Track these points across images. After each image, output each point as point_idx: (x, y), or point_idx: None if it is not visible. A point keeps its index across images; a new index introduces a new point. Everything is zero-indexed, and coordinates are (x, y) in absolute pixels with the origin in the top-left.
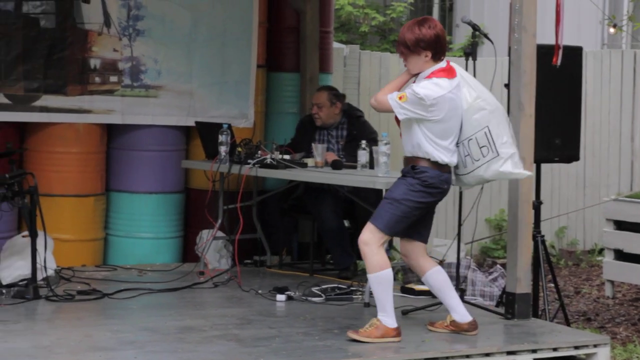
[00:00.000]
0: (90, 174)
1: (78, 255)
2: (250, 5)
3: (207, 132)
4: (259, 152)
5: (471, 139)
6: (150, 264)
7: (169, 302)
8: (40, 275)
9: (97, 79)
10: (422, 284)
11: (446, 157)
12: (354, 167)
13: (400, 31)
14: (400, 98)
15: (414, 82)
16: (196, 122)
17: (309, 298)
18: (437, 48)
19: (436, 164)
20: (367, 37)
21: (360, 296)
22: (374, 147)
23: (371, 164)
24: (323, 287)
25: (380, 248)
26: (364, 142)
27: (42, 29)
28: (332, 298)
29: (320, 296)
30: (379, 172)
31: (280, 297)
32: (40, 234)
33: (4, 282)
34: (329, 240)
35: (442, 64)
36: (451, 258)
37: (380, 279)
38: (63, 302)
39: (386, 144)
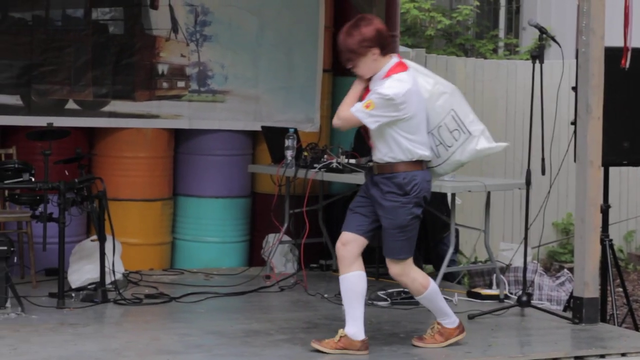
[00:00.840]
0: (157, 178)
1: (146, 259)
2: (316, 9)
3: (273, 137)
4: (325, 156)
5: (441, 126)
6: (217, 268)
7: (235, 306)
8: (108, 279)
9: (165, 85)
10: (490, 288)
11: (425, 151)
12: None
13: (338, 40)
14: (367, 107)
15: (369, 88)
16: (262, 127)
17: (375, 302)
18: (382, 43)
19: (418, 163)
20: (433, 40)
21: None
22: None
23: None
24: (389, 291)
25: (414, 271)
26: None
27: (111, 35)
28: (397, 302)
29: (386, 300)
30: (446, 177)
31: None
32: (109, 238)
33: (73, 286)
34: None
35: (395, 60)
36: (517, 262)
37: (430, 296)
38: (131, 306)
39: None
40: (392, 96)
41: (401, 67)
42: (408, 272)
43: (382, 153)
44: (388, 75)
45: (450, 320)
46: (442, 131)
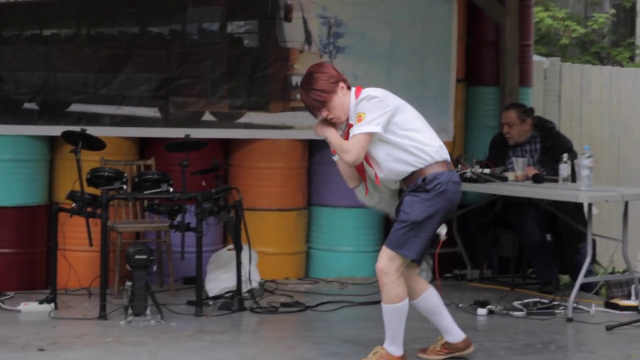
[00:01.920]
0: (292, 188)
1: (281, 268)
2: (449, 19)
3: None
4: (459, 166)
5: None
6: (351, 277)
7: (370, 315)
8: (245, 288)
9: (299, 96)
10: (628, 299)
11: (435, 142)
12: (555, 181)
13: (302, 98)
14: (359, 120)
15: (349, 128)
16: None
17: (511, 312)
18: (342, 77)
19: (438, 164)
20: (567, 49)
21: (562, 311)
22: (575, 161)
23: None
24: (525, 301)
25: (399, 277)
26: (565, 155)
27: (246, 47)
28: (533, 312)
29: (521, 310)
30: (582, 186)
31: (482, 311)
32: (245, 247)
33: (210, 294)
34: (531, 253)
35: (353, 89)
36: None
37: (396, 312)
38: (267, 314)
39: (589, 157)
40: (374, 94)
41: (360, 88)
42: (393, 273)
43: (393, 178)
44: (358, 95)
45: (395, 350)
46: None
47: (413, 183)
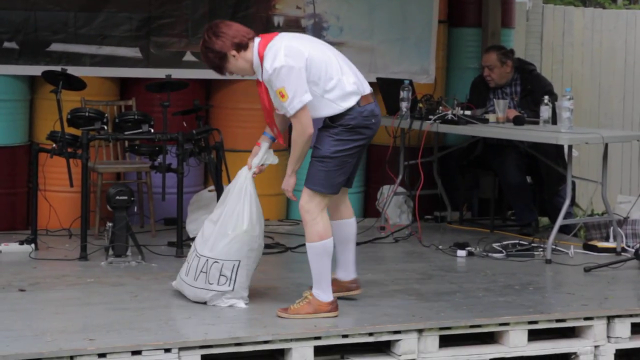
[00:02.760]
0: None
1: (262, 209)
2: None
3: (388, 88)
4: (440, 107)
5: None
6: None
7: None
8: None
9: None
10: (607, 241)
11: (349, 81)
12: (536, 123)
13: (203, 57)
14: (282, 97)
15: (263, 84)
16: (377, 78)
17: (490, 254)
18: (233, 44)
19: (350, 100)
20: None
21: (541, 252)
22: (556, 103)
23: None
24: (504, 243)
25: (322, 214)
26: (546, 97)
27: None
28: (513, 254)
29: (501, 252)
30: (562, 128)
31: (461, 253)
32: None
33: (191, 235)
34: (511, 196)
35: (257, 39)
36: (635, 215)
37: (319, 250)
38: None
39: (569, 99)
40: (278, 65)
41: (265, 40)
42: (314, 210)
43: (319, 120)
44: (261, 59)
45: (323, 295)
46: None
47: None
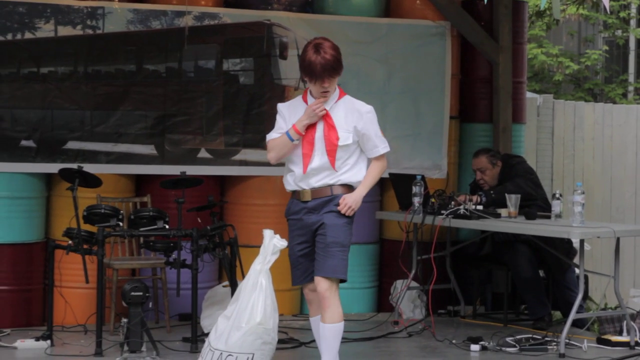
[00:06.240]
0: (286, 225)
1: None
2: (443, 57)
3: (400, 184)
4: (452, 202)
5: None
6: (346, 314)
7: (364, 351)
8: None
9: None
10: (620, 335)
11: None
12: (548, 217)
13: (310, 60)
14: (382, 135)
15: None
16: (390, 174)
17: (503, 348)
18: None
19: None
20: (561, 85)
21: (555, 346)
22: (568, 197)
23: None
24: (517, 337)
25: (338, 297)
26: (557, 191)
27: (242, 85)
28: (526, 349)
29: (514, 346)
30: (574, 222)
31: (475, 347)
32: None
33: (206, 331)
34: (524, 290)
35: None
36: None
37: (341, 330)
38: None
39: (581, 193)
40: (372, 108)
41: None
42: (336, 293)
43: (322, 176)
44: (341, 95)
45: None
46: None
47: (328, 196)
